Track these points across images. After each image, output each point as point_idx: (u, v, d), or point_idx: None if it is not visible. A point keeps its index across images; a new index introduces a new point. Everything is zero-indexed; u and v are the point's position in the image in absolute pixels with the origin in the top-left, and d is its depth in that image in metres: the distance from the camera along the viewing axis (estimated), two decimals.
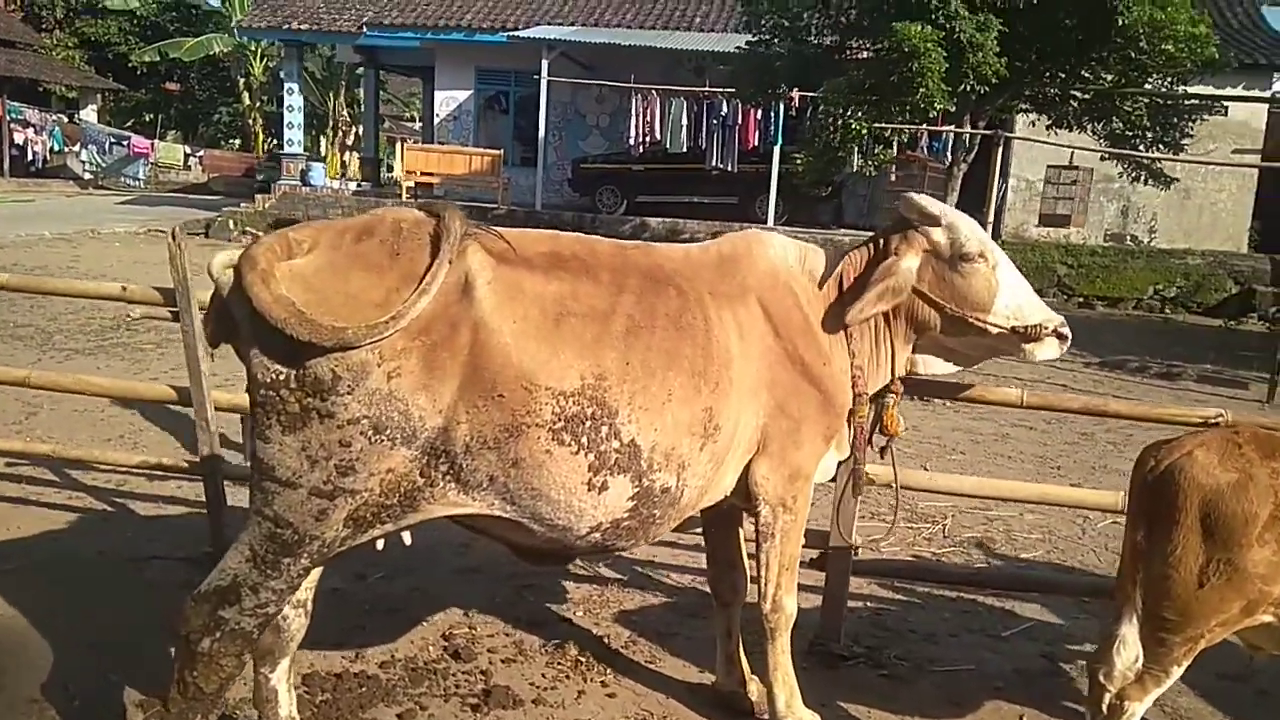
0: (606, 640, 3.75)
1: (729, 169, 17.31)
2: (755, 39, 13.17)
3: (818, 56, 12.17)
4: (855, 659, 3.69)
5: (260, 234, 8.04)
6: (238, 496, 4.29)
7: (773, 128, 16.89)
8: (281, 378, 2.35)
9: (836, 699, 3.38)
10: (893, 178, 13.16)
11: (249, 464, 2.48)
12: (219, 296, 2.45)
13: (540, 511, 2.56)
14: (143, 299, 4.04)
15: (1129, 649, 2.51)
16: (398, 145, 36.62)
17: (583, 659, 3.57)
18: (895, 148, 11.36)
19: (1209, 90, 11.46)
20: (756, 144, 17.07)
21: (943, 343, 3.08)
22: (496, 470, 2.49)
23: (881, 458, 3.29)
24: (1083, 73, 10.71)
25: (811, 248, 3.10)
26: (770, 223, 17.55)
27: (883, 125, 10.12)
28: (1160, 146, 11.02)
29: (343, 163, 28.49)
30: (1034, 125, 11.73)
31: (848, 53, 11.73)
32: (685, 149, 17.41)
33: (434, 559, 4.22)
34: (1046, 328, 2.96)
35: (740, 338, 2.79)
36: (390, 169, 31.02)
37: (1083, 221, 13.47)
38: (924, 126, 10.06)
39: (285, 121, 21.98)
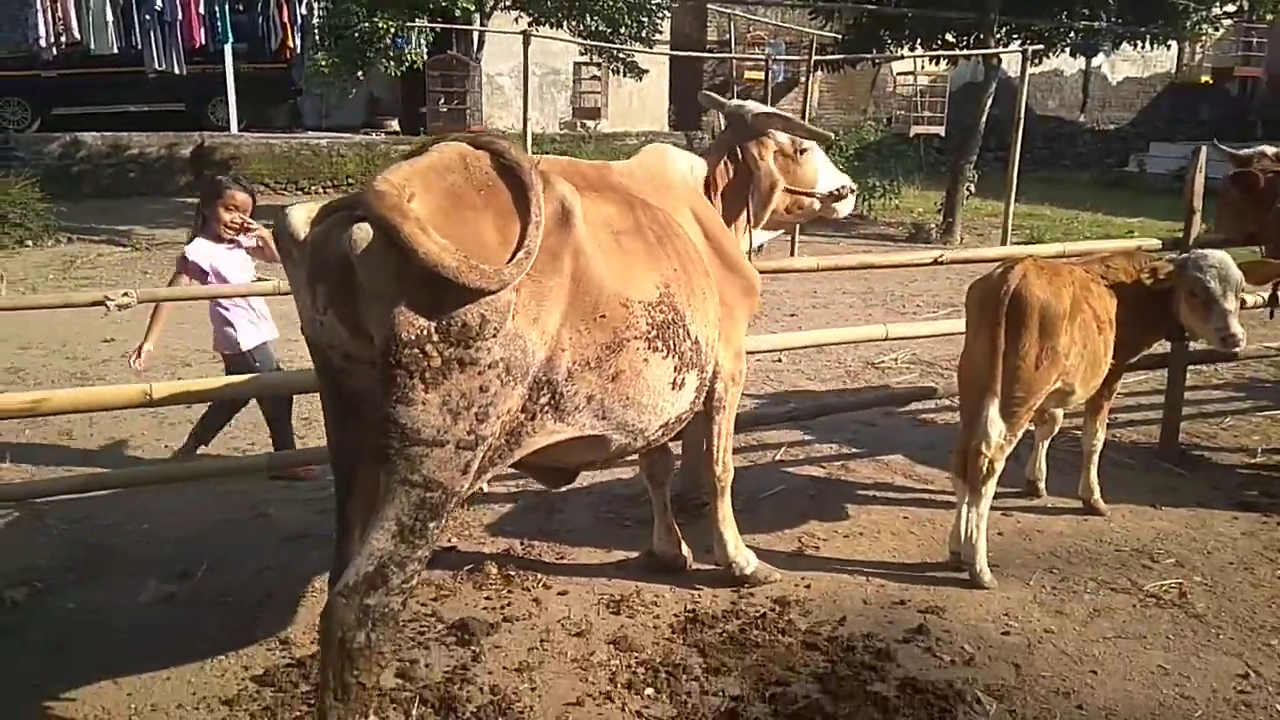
0: (511, 552, 3.84)
1: (174, 71, 15.40)
2: None
3: None
4: (705, 504, 4.28)
5: None
6: None
7: (220, 24, 15.36)
8: (425, 332, 2.17)
9: None
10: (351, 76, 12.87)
11: (380, 430, 2.23)
12: (344, 263, 2.14)
13: (628, 420, 2.70)
14: None
15: (996, 425, 3.48)
16: None
17: (511, 573, 3.63)
18: (425, 49, 11.26)
19: None
20: (205, 42, 15.40)
21: (783, 217, 3.72)
22: (595, 389, 2.57)
23: None
24: None
25: (693, 155, 3.50)
26: (233, 129, 16.16)
27: (410, 25, 10.03)
28: (639, 42, 12.64)
29: None
30: (516, 22, 12.48)
31: None
32: (115, 50, 15.02)
33: (228, 549, 3.84)
34: (846, 188, 3.75)
35: (697, 242, 3.13)
36: None
37: (608, 113, 14.80)
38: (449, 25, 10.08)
39: None
